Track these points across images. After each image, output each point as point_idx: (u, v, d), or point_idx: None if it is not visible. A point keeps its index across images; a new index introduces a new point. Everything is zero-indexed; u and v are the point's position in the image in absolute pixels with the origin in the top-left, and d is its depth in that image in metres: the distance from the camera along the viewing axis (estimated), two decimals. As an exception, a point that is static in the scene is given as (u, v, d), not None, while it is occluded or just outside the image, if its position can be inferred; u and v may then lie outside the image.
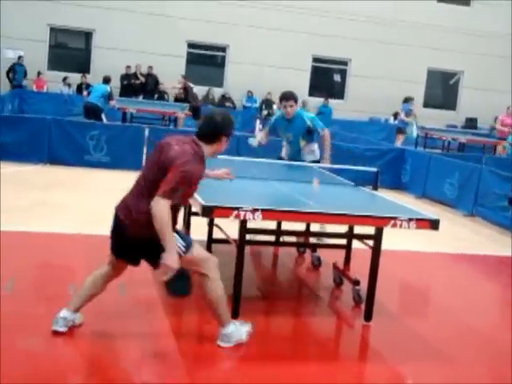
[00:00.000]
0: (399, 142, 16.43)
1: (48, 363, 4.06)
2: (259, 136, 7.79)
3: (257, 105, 22.35)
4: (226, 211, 4.57)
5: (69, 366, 4.10)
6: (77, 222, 7.60)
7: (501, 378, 4.63)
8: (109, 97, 14.85)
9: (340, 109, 23.20)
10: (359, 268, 5.69)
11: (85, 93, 17.58)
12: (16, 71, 20.56)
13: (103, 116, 14.82)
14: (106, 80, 15.27)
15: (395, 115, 22.97)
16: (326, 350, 4.87)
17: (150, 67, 21.37)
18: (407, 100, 16.95)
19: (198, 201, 4.67)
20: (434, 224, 4.97)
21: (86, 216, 7.95)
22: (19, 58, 20.68)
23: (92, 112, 14.68)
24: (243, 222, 4.80)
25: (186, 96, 17.81)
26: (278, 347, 4.77)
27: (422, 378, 4.46)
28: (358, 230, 5.68)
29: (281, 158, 7.69)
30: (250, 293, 5.62)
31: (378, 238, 5.21)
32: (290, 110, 7.23)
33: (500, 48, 24.22)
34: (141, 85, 21.07)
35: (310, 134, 7.40)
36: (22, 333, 4.40)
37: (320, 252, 6.72)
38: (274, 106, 16.68)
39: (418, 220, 4.92)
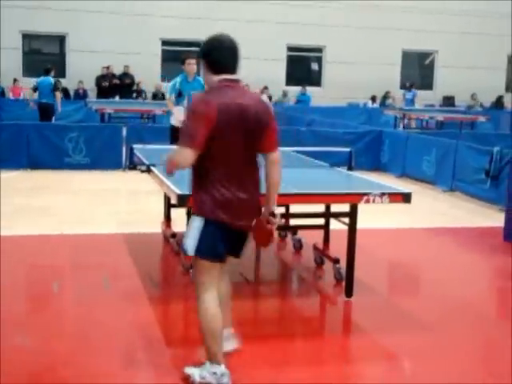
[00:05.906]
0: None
1: (40, 358, 4.14)
2: (178, 113, 8.26)
3: (235, 97, 22.37)
4: (201, 199, 4.64)
5: (58, 361, 4.18)
6: (62, 223, 7.64)
7: (484, 344, 4.79)
8: (54, 88, 13.92)
9: (318, 96, 23.30)
10: (340, 247, 5.79)
11: (31, 91, 15.42)
12: None
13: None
14: (47, 71, 14.14)
15: (373, 98, 23.23)
16: (311, 327, 5.00)
17: (127, 67, 21.38)
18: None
19: (173, 191, 4.76)
20: (406, 197, 5.08)
21: (71, 217, 8.01)
22: None
23: (44, 111, 13.91)
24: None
25: None
26: (265, 328, 4.91)
27: (403, 349, 4.57)
28: (336, 209, 5.79)
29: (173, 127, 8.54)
30: (234, 279, 5.71)
31: (353, 214, 5.32)
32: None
33: (472, 25, 24.38)
34: (117, 85, 21.04)
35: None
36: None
37: (301, 235, 6.81)
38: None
39: (390, 194, 5.03)
